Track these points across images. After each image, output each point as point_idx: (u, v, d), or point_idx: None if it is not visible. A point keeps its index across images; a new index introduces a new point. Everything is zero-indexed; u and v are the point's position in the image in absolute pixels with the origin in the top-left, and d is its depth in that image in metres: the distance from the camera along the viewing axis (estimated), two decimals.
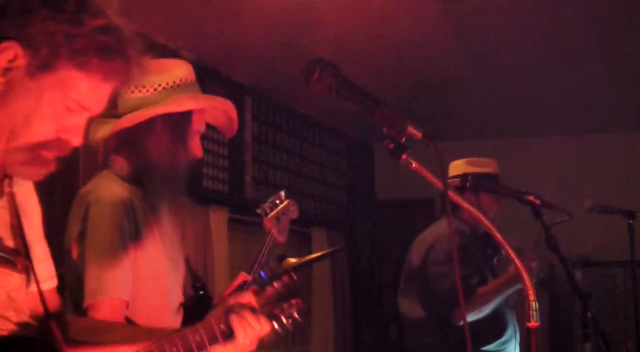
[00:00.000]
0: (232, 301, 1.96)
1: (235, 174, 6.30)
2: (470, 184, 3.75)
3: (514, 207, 3.85)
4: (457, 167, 4.21)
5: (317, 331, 7.38)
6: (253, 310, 1.93)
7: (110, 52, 1.63)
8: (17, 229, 1.74)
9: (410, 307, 4.16)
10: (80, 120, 1.67)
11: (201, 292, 2.73)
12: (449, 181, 3.98)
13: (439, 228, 4.21)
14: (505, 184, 4.08)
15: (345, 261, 7.91)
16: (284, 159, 7.02)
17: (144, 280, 2.41)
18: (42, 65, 1.59)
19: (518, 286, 4.02)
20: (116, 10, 1.67)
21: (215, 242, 5.89)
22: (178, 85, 2.54)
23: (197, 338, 1.86)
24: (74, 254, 2.41)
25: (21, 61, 1.59)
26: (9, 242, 1.73)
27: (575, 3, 4.93)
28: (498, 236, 1.79)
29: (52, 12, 1.58)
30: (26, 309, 1.75)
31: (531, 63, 6.01)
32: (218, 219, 5.98)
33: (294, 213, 3.31)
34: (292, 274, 2.01)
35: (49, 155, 1.67)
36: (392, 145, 1.78)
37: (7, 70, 1.60)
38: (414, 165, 1.77)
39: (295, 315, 1.96)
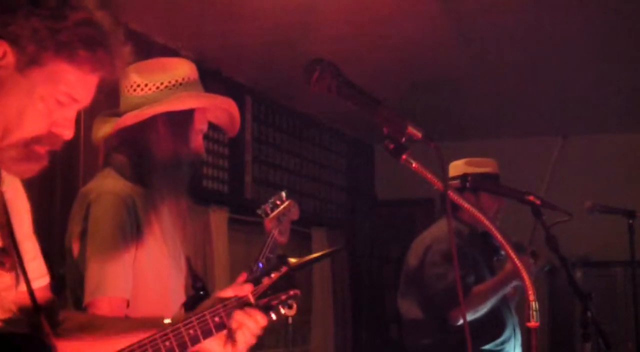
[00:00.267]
0: (228, 293, 1.95)
1: (235, 174, 6.30)
2: (470, 185, 3.75)
3: (514, 207, 3.86)
4: (456, 167, 4.21)
5: (317, 331, 7.37)
6: (250, 304, 1.93)
7: (94, 43, 1.66)
8: (6, 228, 1.74)
9: (409, 308, 4.17)
10: (71, 113, 1.70)
11: (201, 292, 2.73)
12: (449, 181, 3.97)
13: (436, 230, 4.22)
14: (505, 184, 4.09)
15: (345, 261, 7.91)
16: (284, 159, 7.02)
17: (145, 279, 2.41)
18: (30, 60, 1.62)
19: (515, 283, 4.03)
20: (96, 5, 1.70)
21: (215, 242, 5.90)
22: (180, 84, 2.53)
23: (191, 332, 1.86)
24: (75, 252, 2.40)
25: (10, 58, 1.61)
26: None
27: (576, 3, 4.93)
28: (498, 235, 1.79)
29: (35, 8, 1.61)
30: (15, 308, 1.75)
31: (531, 63, 6.01)
32: (218, 219, 5.98)
33: (294, 214, 3.32)
34: (293, 265, 2.00)
35: (42, 150, 1.68)
36: (392, 145, 1.78)
37: None
38: (414, 165, 1.77)
39: (294, 305, 1.95)
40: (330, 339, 7.51)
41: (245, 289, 1.95)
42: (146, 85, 2.51)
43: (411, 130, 1.77)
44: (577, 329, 6.28)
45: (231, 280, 2.78)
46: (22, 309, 1.76)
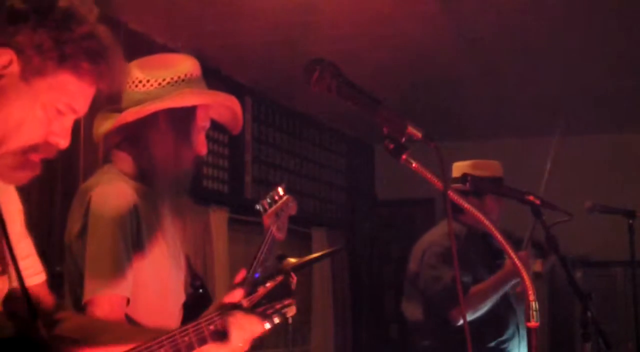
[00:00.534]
0: (224, 300, 1.96)
1: (235, 174, 6.30)
2: (470, 185, 3.75)
3: (514, 207, 3.86)
4: (460, 169, 4.19)
5: (317, 331, 7.37)
6: (245, 310, 1.93)
7: (97, 56, 1.70)
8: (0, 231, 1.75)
9: (413, 311, 4.21)
10: (69, 122, 1.73)
11: (200, 291, 2.72)
12: (453, 183, 3.97)
13: (434, 233, 4.27)
14: (505, 184, 4.08)
15: (345, 261, 7.91)
16: (284, 159, 7.02)
17: (145, 277, 2.38)
18: (35, 71, 1.65)
19: (514, 282, 4.03)
20: (98, 19, 1.75)
21: (215, 242, 5.90)
22: (183, 80, 2.50)
23: (186, 339, 1.88)
24: (75, 249, 2.37)
25: (15, 67, 1.65)
26: None
27: (575, 3, 4.93)
28: (498, 235, 1.79)
29: (42, 20, 1.65)
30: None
31: (531, 63, 6.01)
32: (218, 219, 5.98)
33: (292, 209, 3.31)
34: (292, 273, 2.00)
35: (37, 158, 1.71)
36: (392, 145, 1.77)
37: (0, 76, 1.65)
38: (414, 165, 1.77)
39: (288, 315, 1.95)
40: (330, 339, 7.51)
41: (237, 295, 1.95)
42: (148, 81, 2.47)
43: (411, 130, 1.77)
44: (577, 329, 6.28)
45: (231, 280, 2.78)
46: (18, 314, 1.76)
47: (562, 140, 4.24)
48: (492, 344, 4.08)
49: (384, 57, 5.85)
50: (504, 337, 4.11)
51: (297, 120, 7.26)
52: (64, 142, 1.73)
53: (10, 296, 1.78)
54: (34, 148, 1.69)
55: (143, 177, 2.46)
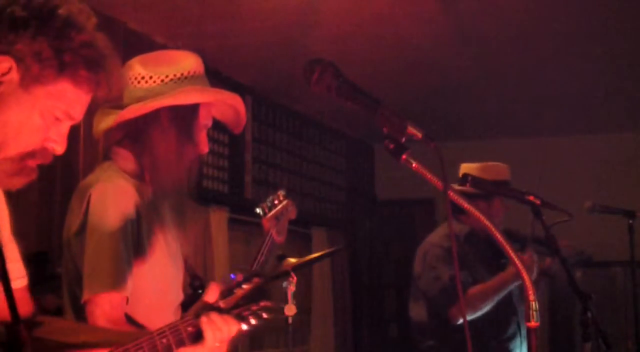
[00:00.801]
0: (200, 302, 1.97)
1: (235, 174, 6.30)
2: (470, 185, 3.75)
3: (514, 207, 3.86)
4: (467, 170, 4.17)
5: (317, 331, 7.37)
6: (220, 310, 1.93)
7: (96, 65, 1.72)
8: None
9: (418, 312, 4.23)
10: (65, 129, 1.75)
11: (200, 291, 2.71)
12: (455, 184, 3.97)
13: (434, 234, 4.29)
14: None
15: (345, 261, 7.91)
16: (284, 159, 7.02)
17: (145, 277, 2.36)
18: (34, 78, 1.66)
19: (516, 283, 4.03)
20: (96, 27, 1.76)
21: (215, 242, 5.90)
22: (186, 78, 2.47)
23: (164, 341, 1.88)
24: (73, 246, 2.35)
25: (14, 74, 1.66)
26: None
27: (575, 3, 4.93)
28: (498, 236, 1.79)
29: (41, 28, 1.66)
30: None
31: (531, 63, 6.01)
32: (218, 219, 5.98)
33: (292, 213, 3.31)
34: (293, 273, 2.00)
35: (34, 164, 1.72)
36: (392, 145, 1.77)
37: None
38: (414, 165, 1.77)
39: (264, 316, 1.96)
40: (330, 339, 7.51)
41: (211, 295, 1.95)
42: (151, 77, 2.44)
43: (411, 130, 1.77)
44: (577, 329, 6.29)
45: None
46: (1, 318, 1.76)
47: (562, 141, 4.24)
48: (494, 343, 4.09)
49: (384, 57, 5.86)
50: (505, 337, 4.12)
51: (297, 120, 7.26)
52: (60, 148, 1.74)
53: None
54: (31, 154, 1.70)
55: (144, 175, 2.43)
